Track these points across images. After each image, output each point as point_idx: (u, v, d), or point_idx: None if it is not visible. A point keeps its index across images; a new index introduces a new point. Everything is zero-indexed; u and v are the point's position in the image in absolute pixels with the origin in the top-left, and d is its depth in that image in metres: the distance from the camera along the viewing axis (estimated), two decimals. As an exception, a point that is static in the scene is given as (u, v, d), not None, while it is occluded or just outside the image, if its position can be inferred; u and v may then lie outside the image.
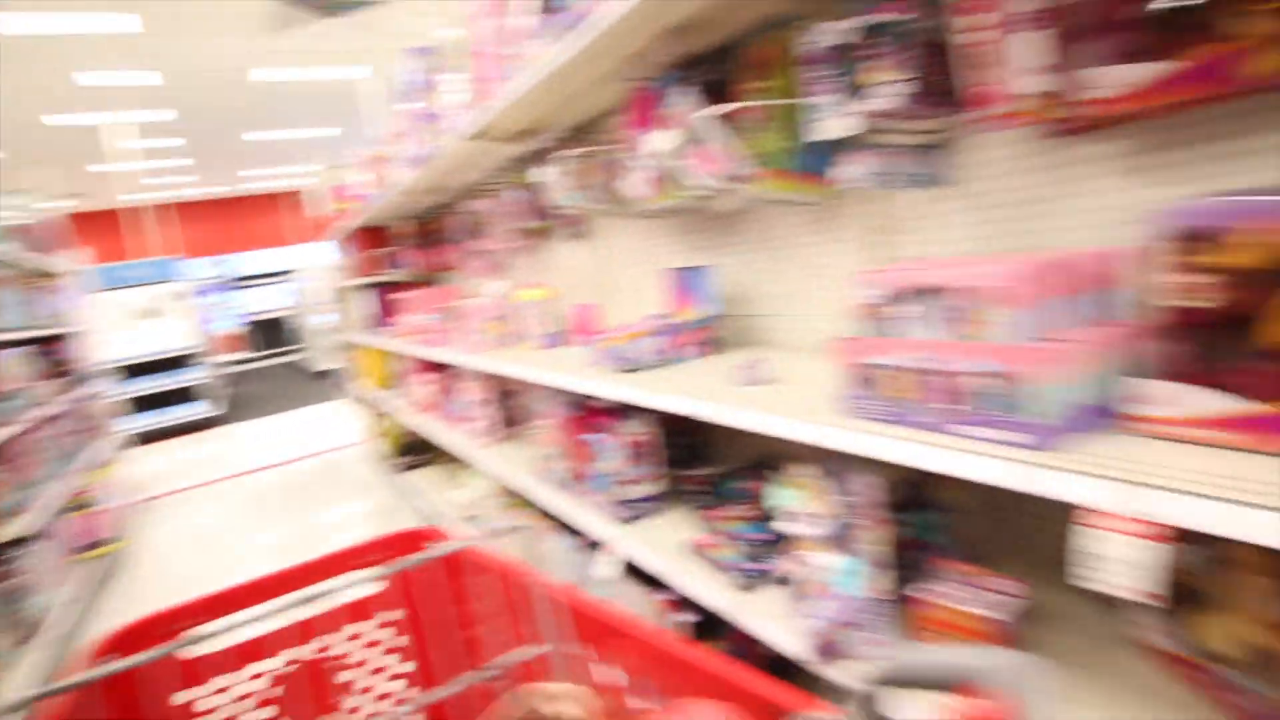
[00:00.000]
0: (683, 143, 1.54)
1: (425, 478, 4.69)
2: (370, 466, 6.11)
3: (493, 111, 2.12)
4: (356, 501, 5.25)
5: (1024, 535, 1.45)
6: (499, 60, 2.08)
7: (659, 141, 1.61)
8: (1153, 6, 0.91)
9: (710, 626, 1.77)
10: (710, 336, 1.92)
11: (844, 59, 1.29)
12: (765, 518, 1.66)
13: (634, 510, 1.96)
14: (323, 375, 12.50)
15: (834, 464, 1.33)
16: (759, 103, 1.47)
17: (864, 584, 1.22)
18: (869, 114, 1.24)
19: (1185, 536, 1.05)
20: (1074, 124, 1.10)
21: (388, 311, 5.03)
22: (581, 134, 2.56)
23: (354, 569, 1.17)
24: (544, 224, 3.06)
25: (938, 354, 0.96)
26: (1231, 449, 0.79)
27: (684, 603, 1.80)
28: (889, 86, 1.20)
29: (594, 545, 2.21)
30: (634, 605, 1.96)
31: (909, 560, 1.42)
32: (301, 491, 5.73)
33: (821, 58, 1.31)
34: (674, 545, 1.77)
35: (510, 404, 3.09)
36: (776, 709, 0.55)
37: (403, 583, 1.34)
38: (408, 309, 4.08)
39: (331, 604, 1.28)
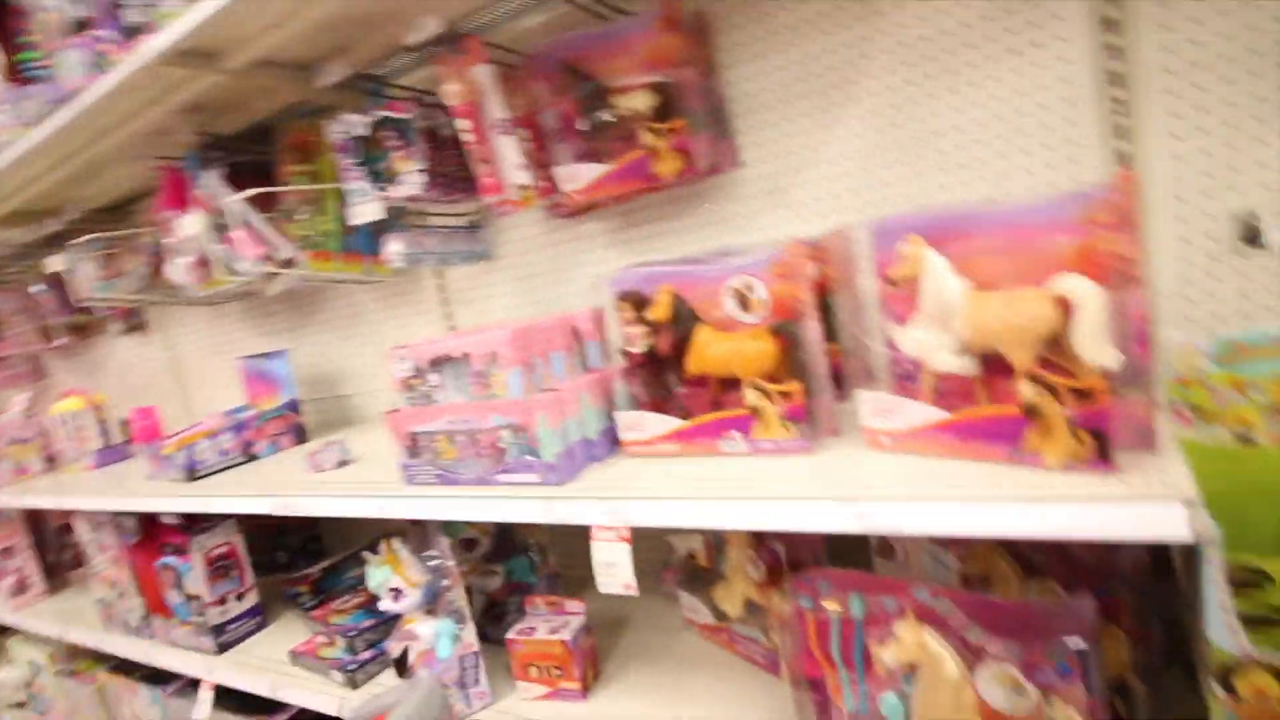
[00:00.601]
0: (214, 226, 1.45)
1: (-56, 668, 3.46)
2: None
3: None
4: None
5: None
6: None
7: (191, 225, 1.49)
8: (581, 124, 1.16)
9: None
10: (292, 424, 1.82)
11: (369, 148, 1.36)
12: (373, 601, 1.61)
13: (228, 634, 1.73)
14: None
15: (414, 533, 1.36)
16: (289, 187, 1.47)
17: (457, 642, 1.26)
18: (397, 199, 1.33)
19: (703, 530, 1.32)
20: (562, 210, 1.33)
21: None
22: (111, 216, 2.22)
23: None
24: (84, 319, 2.56)
25: (466, 415, 1.06)
26: (674, 457, 1.03)
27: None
28: (410, 175, 1.31)
29: (193, 685, 1.88)
30: (237, 742, 1.72)
31: (510, 605, 1.51)
32: None
33: (349, 146, 1.37)
34: (280, 659, 1.61)
35: (59, 544, 2.48)
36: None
37: None
38: (-118, 446, 3.01)
39: None
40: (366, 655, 1.46)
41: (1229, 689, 0.66)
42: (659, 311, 1.01)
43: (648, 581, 1.48)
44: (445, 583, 1.27)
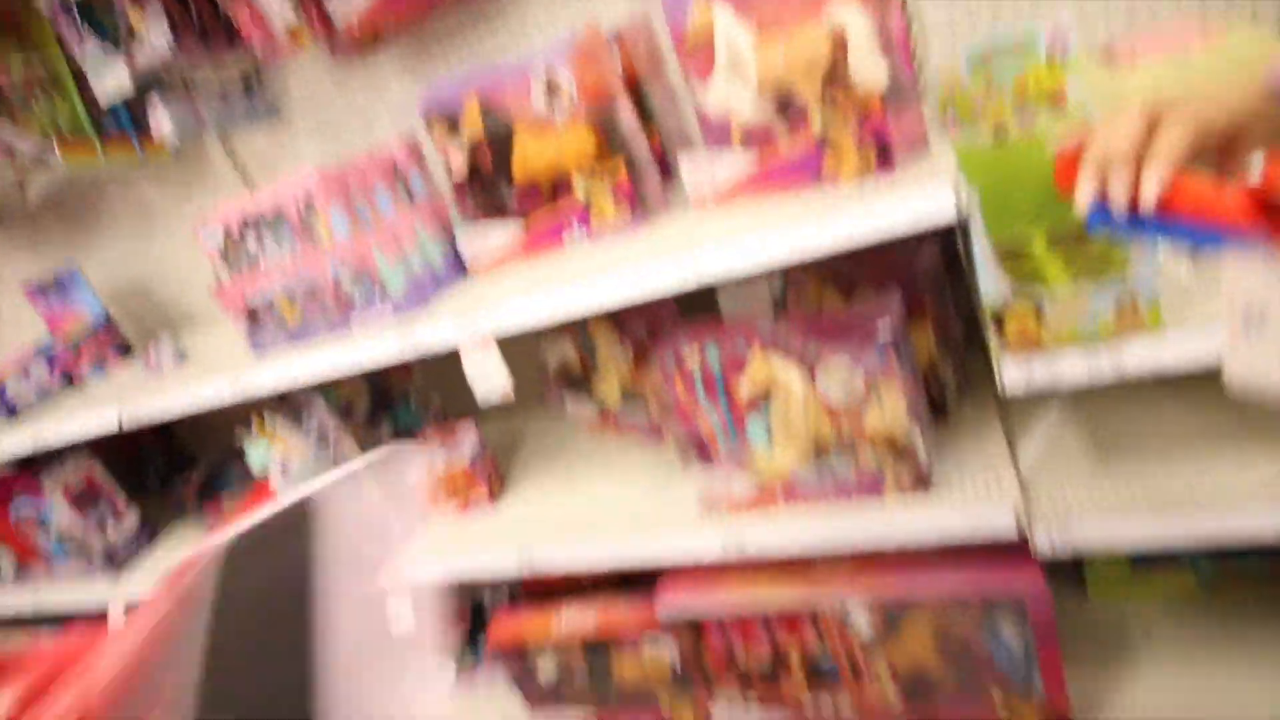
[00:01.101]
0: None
1: None
2: None
3: None
4: None
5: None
6: None
7: (-107, 136, 1.24)
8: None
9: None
10: (112, 341, 1.66)
11: (96, 10, 1.16)
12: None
13: (120, 554, 1.66)
14: None
15: (286, 411, 1.34)
16: (4, 74, 1.24)
17: (361, 496, 1.30)
18: (145, 64, 1.16)
19: (572, 333, 1.37)
20: (346, 46, 1.21)
21: None
22: None
23: None
24: None
25: (299, 269, 1.02)
26: (521, 265, 1.06)
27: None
28: (154, 34, 1.13)
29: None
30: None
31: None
32: None
33: (68, 10, 1.15)
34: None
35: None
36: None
37: None
38: None
39: None
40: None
41: (1000, 330, 0.81)
42: (470, 126, 0.99)
43: (532, 399, 1.56)
44: (331, 442, 1.28)
